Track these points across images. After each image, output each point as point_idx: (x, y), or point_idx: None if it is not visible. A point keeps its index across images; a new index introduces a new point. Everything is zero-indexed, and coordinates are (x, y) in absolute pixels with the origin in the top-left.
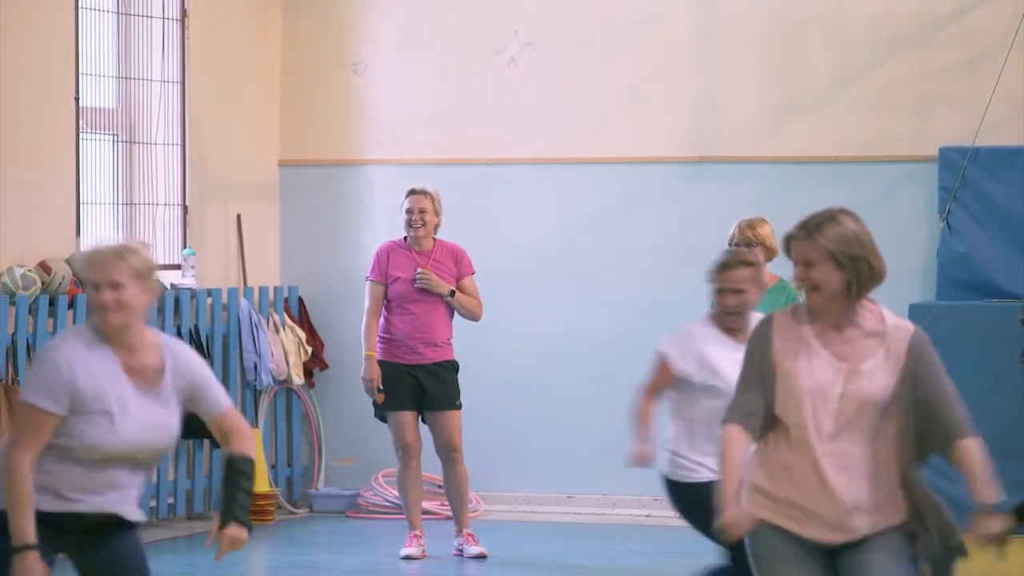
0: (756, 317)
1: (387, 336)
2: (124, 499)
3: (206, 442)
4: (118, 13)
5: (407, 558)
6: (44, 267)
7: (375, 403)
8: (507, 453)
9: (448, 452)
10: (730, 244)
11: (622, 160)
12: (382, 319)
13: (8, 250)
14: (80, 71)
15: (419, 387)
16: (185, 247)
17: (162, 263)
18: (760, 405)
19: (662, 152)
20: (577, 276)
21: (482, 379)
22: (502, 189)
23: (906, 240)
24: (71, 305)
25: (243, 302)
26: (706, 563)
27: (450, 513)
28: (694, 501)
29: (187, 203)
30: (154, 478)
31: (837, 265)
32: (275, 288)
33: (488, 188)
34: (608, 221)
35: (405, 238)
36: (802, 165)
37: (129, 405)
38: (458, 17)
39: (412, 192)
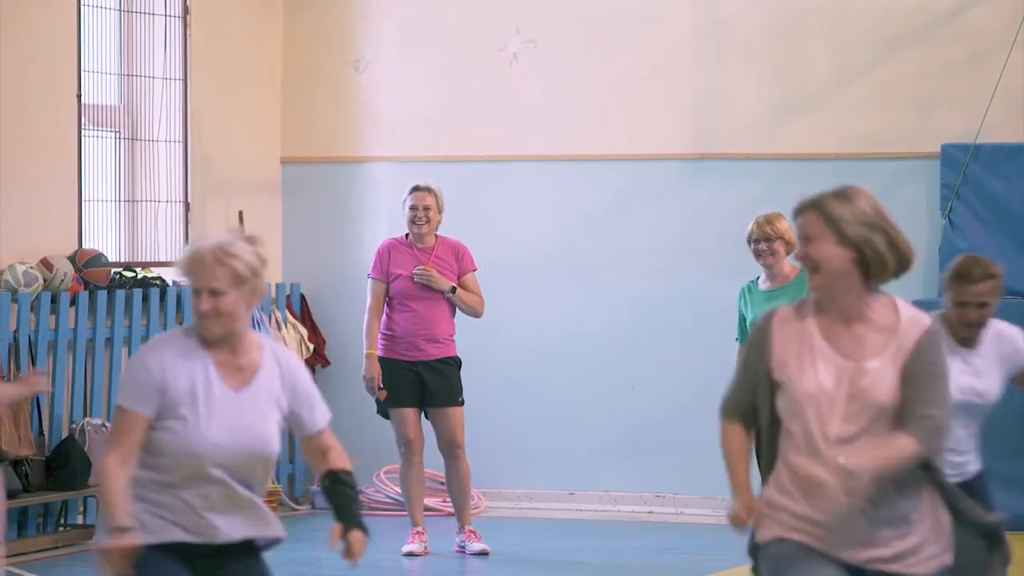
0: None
1: (389, 333)
2: (236, 524)
3: None
4: (120, 10)
5: (409, 554)
6: (46, 264)
7: (377, 400)
8: (509, 450)
9: (450, 448)
10: (748, 240)
11: (623, 157)
12: (384, 316)
13: (10, 247)
14: (82, 68)
15: (421, 383)
16: (187, 244)
17: (163, 260)
18: (751, 407)
19: (663, 149)
20: (578, 273)
21: (484, 376)
22: (503, 186)
23: (908, 237)
24: (73, 302)
25: None
26: (706, 560)
27: (452, 509)
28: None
29: (189, 200)
30: None
31: (841, 240)
32: (277, 285)
33: (489, 185)
34: (609, 218)
35: (407, 235)
36: (803, 162)
37: (217, 406)
38: (459, 14)
39: (416, 189)
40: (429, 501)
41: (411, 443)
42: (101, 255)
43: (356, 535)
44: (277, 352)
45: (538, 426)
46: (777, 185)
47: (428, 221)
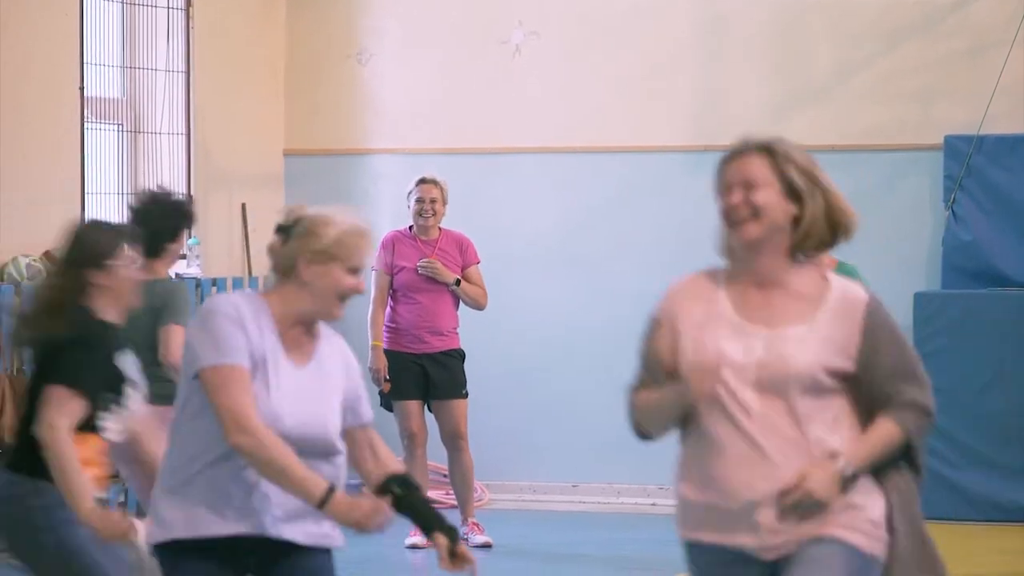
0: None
1: (393, 325)
2: (294, 517)
3: None
4: (123, 2)
5: (412, 547)
6: (49, 257)
7: (381, 392)
8: (512, 442)
9: (454, 441)
10: None
11: (625, 149)
12: (388, 308)
13: (13, 240)
14: (84, 60)
15: (425, 376)
16: (190, 237)
17: None
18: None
19: (666, 142)
20: (580, 265)
21: (486, 368)
22: (505, 178)
23: (911, 229)
24: None
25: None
26: None
27: (455, 502)
28: None
29: (192, 192)
30: None
31: (787, 193)
32: None
33: (492, 177)
34: (611, 211)
35: (410, 227)
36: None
37: (283, 376)
38: (462, 7)
39: (422, 181)
40: (432, 494)
41: (414, 436)
42: None
43: (446, 541)
44: (330, 335)
45: (541, 418)
46: None
47: (434, 214)
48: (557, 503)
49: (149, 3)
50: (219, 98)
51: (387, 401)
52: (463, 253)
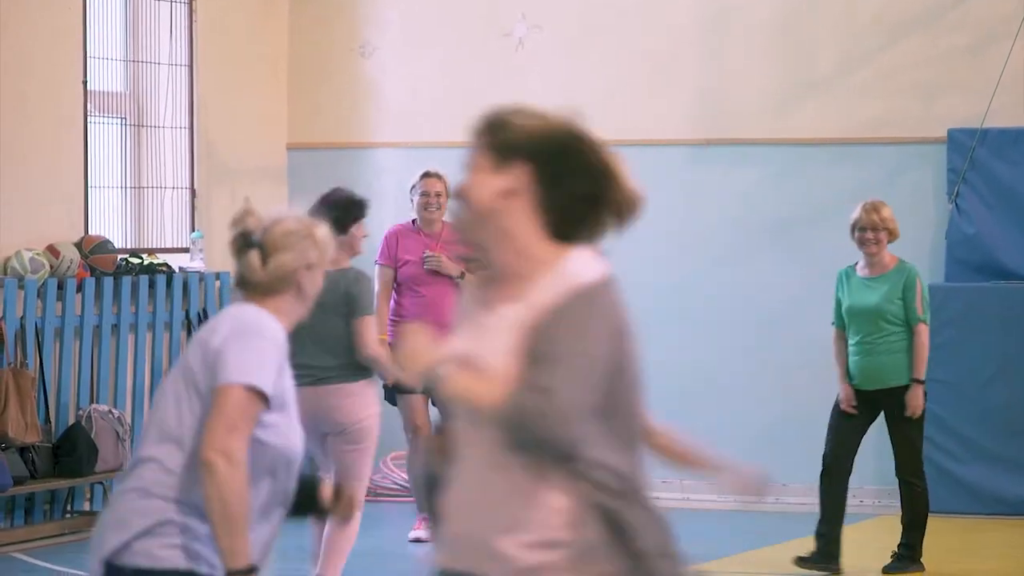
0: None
1: (397, 318)
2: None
3: None
4: None
5: (416, 541)
6: (52, 251)
7: (385, 386)
8: None
9: None
10: (854, 228)
11: (628, 142)
12: (392, 302)
13: (16, 233)
14: (88, 55)
15: None
16: (193, 230)
17: (170, 246)
18: None
19: (668, 135)
20: None
21: None
22: None
23: (914, 222)
24: (79, 289)
25: None
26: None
27: None
28: None
29: (195, 186)
30: None
31: (499, 162)
32: None
33: None
34: None
35: (413, 221)
36: (809, 147)
37: (293, 403)
38: (465, 0)
39: (427, 175)
40: None
41: (418, 429)
42: (107, 242)
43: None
44: None
45: None
46: (783, 170)
47: (440, 207)
48: None
49: None
50: (222, 92)
51: (391, 394)
52: None
